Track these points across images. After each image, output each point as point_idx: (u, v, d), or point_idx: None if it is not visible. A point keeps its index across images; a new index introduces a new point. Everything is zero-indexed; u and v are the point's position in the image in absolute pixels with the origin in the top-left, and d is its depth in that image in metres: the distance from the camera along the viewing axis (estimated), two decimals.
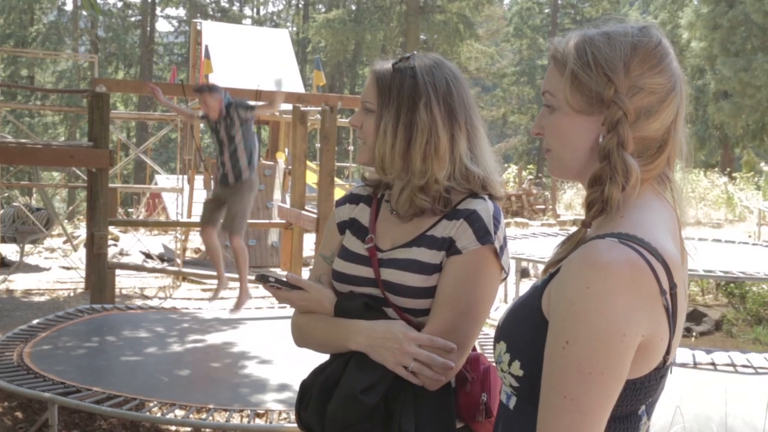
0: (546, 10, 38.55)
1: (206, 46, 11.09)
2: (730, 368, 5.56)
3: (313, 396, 1.53)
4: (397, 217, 1.61)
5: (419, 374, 1.46)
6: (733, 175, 19.66)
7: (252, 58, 12.45)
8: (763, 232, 12.46)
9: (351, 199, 1.73)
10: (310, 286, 1.61)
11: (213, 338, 6.13)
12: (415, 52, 1.63)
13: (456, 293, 1.50)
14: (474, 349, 1.57)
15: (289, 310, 6.45)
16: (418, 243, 1.56)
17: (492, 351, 1.89)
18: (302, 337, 1.65)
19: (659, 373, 1.09)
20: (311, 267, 8.43)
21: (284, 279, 1.61)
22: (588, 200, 1.15)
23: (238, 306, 6.05)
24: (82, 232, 12.57)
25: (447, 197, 1.57)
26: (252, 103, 6.06)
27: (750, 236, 12.30)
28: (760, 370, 5.79)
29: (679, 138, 1.18)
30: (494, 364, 1.56)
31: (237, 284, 6.43)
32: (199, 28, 12.99)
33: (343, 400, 1.45)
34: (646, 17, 33.82)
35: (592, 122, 1.14)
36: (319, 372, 1.58)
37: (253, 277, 8.30)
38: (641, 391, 1.08)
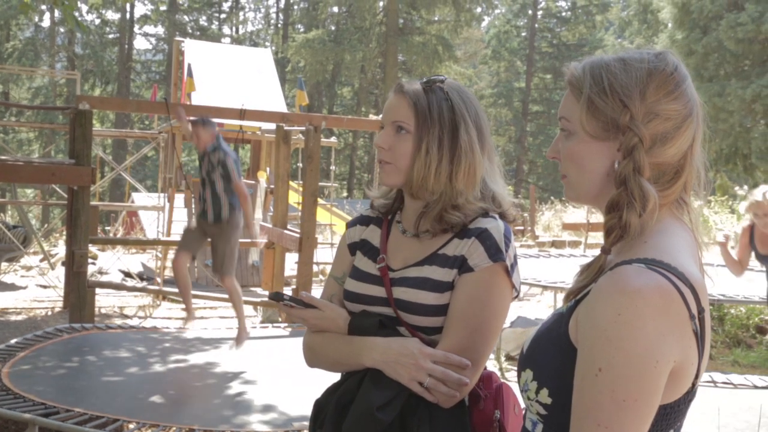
0: (523, 34, 39.01)
1: (189, 65, 11.06)
2: (710, 384, 5.63)
3: (329, 414, 1.52)
4: (410, 236, 1.63)
5: (434, 390, 1.47)
6: (708, 198, 19.92)
7: (234, 77, 12.43)
8: None
9: (361, 220, 1.75)
10: (324, 304, 1.61)
11: (195, 358, 6.06)
12: (443, 76, 1.64)
13: (469, 310, 1.51)
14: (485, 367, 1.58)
15: (270, 331, 6.40)
16: (430, 261, 1.57)
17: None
18: (314, 357, 1.63)
19: (688, 397, 1.09)
20: (293, 287, 8.31)
21: (299, 298, 1.61)
22: (607, 226, 1.15)
23: (239, 342, 5.80)
24: (58, 250, 12.42)
25: (467, 214, 1.60)
26: (232, 172, 5.74)
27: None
28: (739, 386, 5.88)
29: (696, 163, 1.18)
30: (505, 381, 1.57)
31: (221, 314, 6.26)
32: (182, 47, 12.94)
33: (359, 417, 1.45)
34: (621, 42, 34.34)
35: (607, 148, 1.15)
36: (333, 390, 1.58)
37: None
38: (671, 416, 1.08)
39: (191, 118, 5.94)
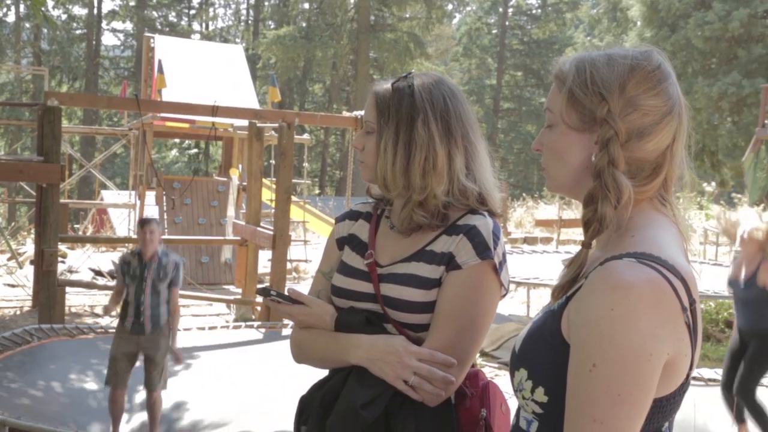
0: (494, 31, 39.20)
1: (159, 61, 10.94)
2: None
3: (313, 411, 1.51)
4: (397, 232, 1.61)
5: (419, 389, 1.45)
6: (677, 195, 20.19)
7: (206, 74, 12.31)
8: (707, 251, 12.80)
9: (350, 215, 1.73)
10: (311, 300, 1.60)
11: None
12: (414, 71, 1.64)
13: (456, 308, 1.49)
14: (473, 365, 1.57)
15: (243, 330, 6.29)
16: (417, 258, 1.56)
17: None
18: (301, 353, 1.62)
19: (683, 390, 1.09)
20: (267, 284, 8.10)
21: (286, 293, 1.59)
22: (584, 220, 1.15)
23: None
24: (27, 248, 12.22)
25: (445, 213, 1.57)
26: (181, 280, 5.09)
27: (695, 255, 12.63)
28: (710, 383, 5.97)
29: (677, 162, 1.20)
30: (493, 381, 1.57)
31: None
32: (152, 44, 12.78)
33: (343, 414, 1.44)
34: (591, 40, 34.65)
35: (585, 140, 1.16)
36: (318, 387, 1.57)
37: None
38: (666, 409, 1.08)
39: (148, 219, 5.08)
